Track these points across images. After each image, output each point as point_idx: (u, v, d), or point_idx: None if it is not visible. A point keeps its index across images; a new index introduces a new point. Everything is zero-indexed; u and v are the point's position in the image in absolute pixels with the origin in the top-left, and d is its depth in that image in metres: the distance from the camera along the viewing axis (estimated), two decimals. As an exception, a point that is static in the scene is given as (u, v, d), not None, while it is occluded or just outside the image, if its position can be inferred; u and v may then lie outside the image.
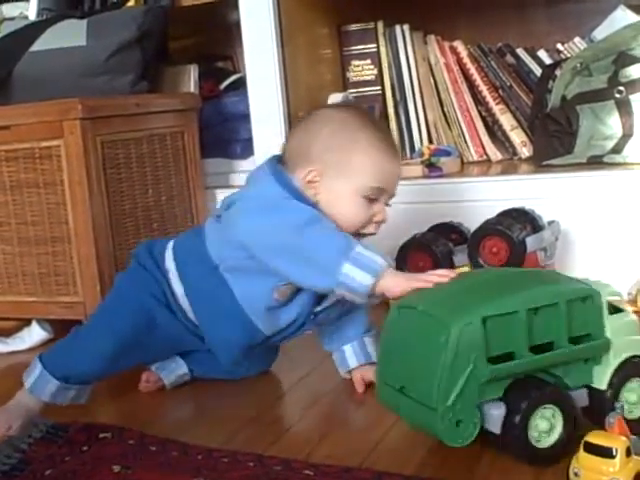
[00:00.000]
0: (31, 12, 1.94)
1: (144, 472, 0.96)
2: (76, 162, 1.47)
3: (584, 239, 1.52)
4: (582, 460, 0.82)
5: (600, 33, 1.77)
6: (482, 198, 1.58)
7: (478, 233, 1.40)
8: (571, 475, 0.83)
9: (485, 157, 1.89)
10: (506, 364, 0.88)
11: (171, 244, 1.20)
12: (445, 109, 1.91)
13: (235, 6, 1.75)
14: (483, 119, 1.89)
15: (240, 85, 1.91)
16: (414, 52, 1.90)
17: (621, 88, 1.58)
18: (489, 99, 1.87)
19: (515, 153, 1.87)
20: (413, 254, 1.44)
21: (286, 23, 1.75)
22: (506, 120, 1.86)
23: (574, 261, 1.50)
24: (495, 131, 1.88)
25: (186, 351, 1.25)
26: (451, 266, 1.41)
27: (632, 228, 1.48)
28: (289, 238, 1.03)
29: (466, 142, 1.89)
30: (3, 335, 1.58)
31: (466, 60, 1.89)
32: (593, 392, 0.94)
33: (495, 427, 0.88)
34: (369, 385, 1.18)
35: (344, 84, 1.96)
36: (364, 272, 0.99)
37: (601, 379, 0.94)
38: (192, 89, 1.88)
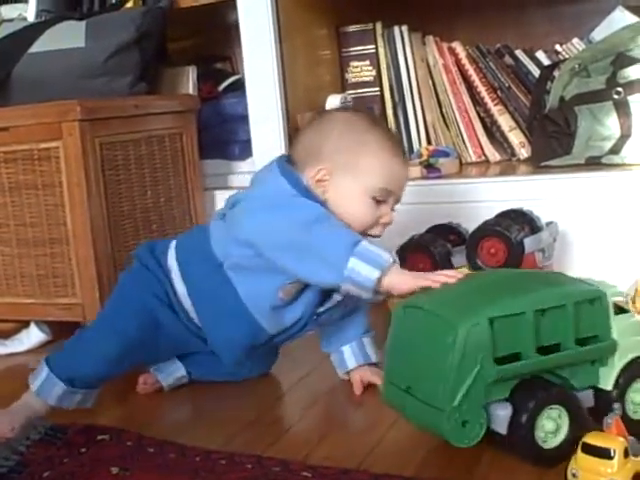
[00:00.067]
0: (30, 13, 1.94)
1: (142, 474, 0.96)
2: (75, 164, 1.47)
3: (582, 240, 1.52)
4: (580, 461, 0.82)
5: (598, 34, 1.77)
6: (480, 199, 1.58)
7: (476, 234, 1.40)
8: (569, 476, 0.83)
9: (483, 158, 1.89)
10: (513, 365, 0.89)
11: (173, 243, 1.20)
12: (444, 110, 1.91)
13: (234, 7, 1.76)
14: (481, 120, 1.89)
15: (239, 86, 1.91)
16: (413, 53, 1.90)
17: (619, 89, 1.58)
18: (487, 100, 1.87)
19: (513, 154, 1.87)
20: (412, 255, 1.44)
21: (285, 24, 1.75)
22: (504, 121, 1.87)
23: (572, 262, 1.50)
24: (493, 132, 1.89)
25: (185, 353, 1.25)
26: (450, 267, 1.41)
27: (630, 229, 1.48)
28: (297, 235, 1.04)
29: (464, 143, 1.89)
30: (1, 337, 1.58)
31: (464, 61, 1.89)
32: (599, 393, 0.95)
33: (501, 428, 0.88)
34: (368, 386, 1.18)
35: (343, 85, 1.96)
36: (370, 266, 1.00)
37: (607, 380, 0.94)
38: (191, 90, 1.88)
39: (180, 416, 1.20)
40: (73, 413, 1.13)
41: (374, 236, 1.12)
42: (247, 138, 1.80)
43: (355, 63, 1.95)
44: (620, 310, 0.96)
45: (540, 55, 1.89)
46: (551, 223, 1.46)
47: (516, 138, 1.86)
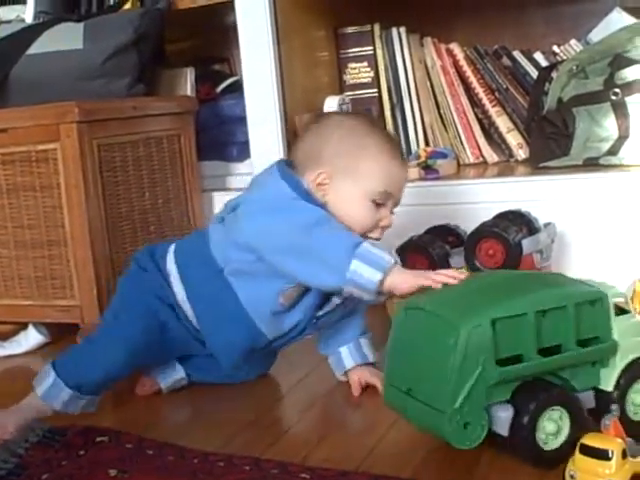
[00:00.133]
0: (28, 15, 1.94)
1: (141, 476, 0.96)
2: (72, 165, 1.46)
3: (580, 241, 1.52)
4: (578, 462, 0.82)
5: (596, 35, 1.77)
6: (478, 200, 1.58)
7: (474, 235, 1.40)
8: (567, 477, 0.83)
9: (481, 159, 1.89)
10: (515, 366, 0.89)
11: (172, 247, 1.20)
12: (441, 111, 1.91)
13: (232, 9, 1.75)
14: (479, 121, 1.89)
15: (237, 88, 1.91)
16: (410, 54, 1.90)
17: (617, 90, 1.58)
18: (485, 101, 1.88)
19: (511, 155, 1.87)
20: (410, 256, 1.44)
21: (282, 26, 1.75)
22: (502, 122, 1.87)
23: (570, 263, 1.50)
24: (491, 133, 1.89)
25: (184, 356, 1.25)
26: (448, 268, 1.41)
27: (628, 230, 1.48)
28: (298, 238, 1.04)
29: (462, 144, 1.89)
30: (0, 339, 1.58)
31: (462, 62, 1.89)
32: (600, 394, 0.95)
33: (503, 429, 0.89)
34: (366, 387, 1.18)
35: (341, 87, 1.96)
36: (372, 268, 1.00)
37: (608, 381, 0.94)
38: (189, 92, 1.88)
39: (179, 418, 1.20)
40: (71, 415, 1.13)
41: (374, 239, 1.12)
42: (245, 140, 1.79)
43: (353, 64, 1.95)
44: (621, 311, 0.96)
45: (538, 56, 1.89)
46: (549, 224, 1.46)
47: (514, 139, 1.86)
